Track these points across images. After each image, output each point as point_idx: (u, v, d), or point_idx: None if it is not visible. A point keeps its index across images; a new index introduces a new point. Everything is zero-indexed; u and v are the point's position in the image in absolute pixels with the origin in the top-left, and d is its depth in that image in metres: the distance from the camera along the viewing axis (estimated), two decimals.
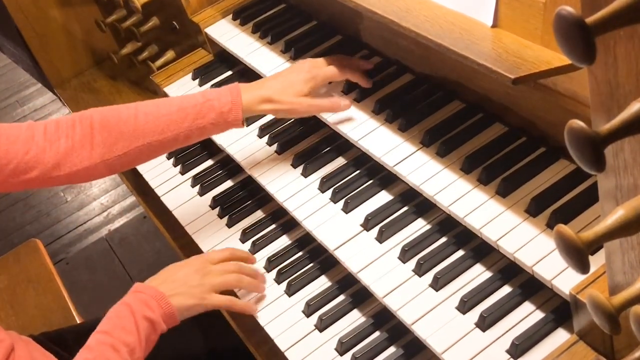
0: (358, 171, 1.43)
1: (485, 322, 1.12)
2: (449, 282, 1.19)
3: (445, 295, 1.18)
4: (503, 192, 1.18)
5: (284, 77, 1.43)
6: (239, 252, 1.41)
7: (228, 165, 1.68)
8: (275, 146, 1.54)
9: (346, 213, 1.36)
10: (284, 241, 1.47)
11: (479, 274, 1.20)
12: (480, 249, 1.21)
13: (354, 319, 1.30)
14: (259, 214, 1.55)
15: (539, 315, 1.12)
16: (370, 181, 1.40)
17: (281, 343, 1.30)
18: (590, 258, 0.60)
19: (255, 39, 1.74)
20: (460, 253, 1.23)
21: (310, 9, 1.75)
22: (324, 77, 1.44)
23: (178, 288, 1.29)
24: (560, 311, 1.09)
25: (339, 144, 1.49)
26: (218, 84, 1.77)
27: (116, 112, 1.36)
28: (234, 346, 1.53)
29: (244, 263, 1.40)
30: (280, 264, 1.42)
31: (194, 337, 1.42)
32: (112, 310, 1.26)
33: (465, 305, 1.15)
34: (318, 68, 1.43)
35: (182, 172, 1.72)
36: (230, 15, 1.85)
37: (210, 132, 1.40)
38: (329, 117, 1.45)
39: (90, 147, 1.34)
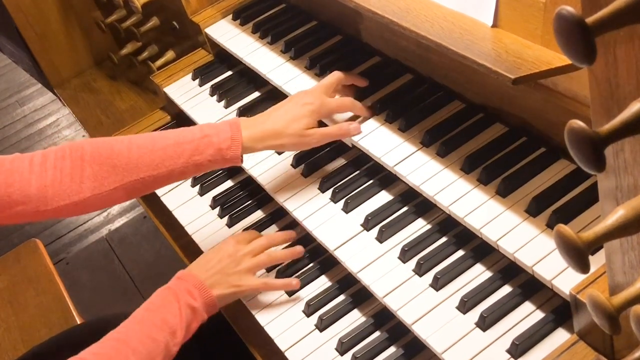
0: (358, 171, 1.43)
1: (485, 322, 1.12)
2: (449, 282, 1.19)
3: (446, 295, 1.18)
4: (503, 192, 1.18)
5: (287, 111, 1.37)
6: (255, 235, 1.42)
7: None
8: None
9: (346, 213, 1.36)
10: None
11: (479, 274, 1.20)
12: (480, 249, 1.21)
13: (354, 319, 1.30)
14: (259, 214, 1.55)
15: (539, 315, 1.12)
16: (370, 181, 1.40)
17: (281, 343, 1.30)
18: (590, 258, 0.60)
19: (255, 39, 1.74)
20: (460, 253, 1.23)
21: (310, 9, 1.75)
22: (329, 109, 1.40)
23: (215, 277, 1.30)
24: (560, 311, 1.09)
25: (339, 144, 1.49)
26: (218, 84, 1.77)
27: (109, 145, 1.29)
28: (228, 341, 1.54)
29: (273, 234, 1.41)
30: (281, 264, 1.42)
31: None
32: (157, 293, 1.27)
33: (465, 305, 1.15)
34: (320, 100, 1.39)
35: None
36: (230, 16, 1.85)
37: (207, 169, 1.36)
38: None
39: (79, 181, 1.27)
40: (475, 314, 1.13)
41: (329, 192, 1.40)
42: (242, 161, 1.36)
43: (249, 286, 1.33)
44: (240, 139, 1.32)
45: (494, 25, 1.14)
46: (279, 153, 1.53)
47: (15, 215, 1.26)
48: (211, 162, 1.32)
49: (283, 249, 1.42)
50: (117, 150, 1.29)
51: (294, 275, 1.39)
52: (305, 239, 1.44)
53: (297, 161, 1.48)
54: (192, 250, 1.57)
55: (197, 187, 1.65)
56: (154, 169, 1.29)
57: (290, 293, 1.37)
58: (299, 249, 1.39)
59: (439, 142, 1.30)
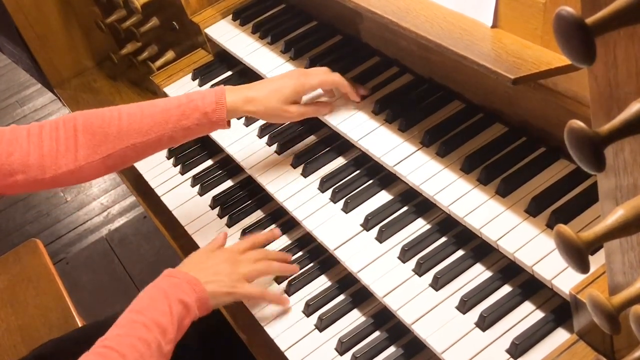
0: (358, 171, 1.43)
1: (485, 322, 1.12)
2: (449, 282, 1.19)
3: (445, 295, 1.18)
4: (503, 192, 1.19)
5: (271, 82, 1.44)
6: (260, 236, 1.42)
7: (228, 165, 1.68)
8: (275, 146, 1.55)
9: (346, 213, 1.36)
10: (283, 241, 1.47)
11: (479, 273, 1.20)
12: (480, 249, 1.21)
13: (354, 318, 1.30)
14: (258, 214, 1.55)
15: (539, 315, 1.12)
16: (370, 181, 1.40)
17: (281, 343, 1.30)
18: (590, 258, 0.60)
19: (255, 39, 1.74)
20: (460, 253, 1.23)
21: (310, 9, 1.75)
22: (312, 85, 1.44)
23: (210, 276, 1.28)
24: (560, 311, 1.10)
25: (339, 144, 1.49)
26: (218, 84, 1.77)
27: (100, 114, 1.36)
28: (228, 340, 1.53)
29: (269, 250, 1.40)
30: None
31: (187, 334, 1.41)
32: (144, 293, 1.24)
33: (465, 305, 1.15)
34: (306, 76, 1.43)
35: (182, 172, 1.72)
36: (230, 16, 1.85)
37: (195, 133, 1.40)
38: (329, 117, 1.46)
39: (74, 150, 1.33)
40: (475, 313, 1.14)
41: (329, 192, 1.40)
42: (228, 125, 1.40)
43: (245, 291, 1.31)
44: (224, 103, 1.37)
45: (494, 26, 1.14)
46: (279, 153, 1.53)
47: (15, 184, 1.32)
48: (198, 126, 1.38)
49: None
50: (107, 118, 1.35)
51: (294, 276, 1.39)
52: (305, 238, 1.44)
53: (297, 160, 1.49)
54: (192, 250, 1.57)
55: (197, 187, 1.65)
56: (144, 135, 1.35)
57: (291, 292, 1.37)
58: (295, 268, 1.38)
59: (439, 142, 1.30)
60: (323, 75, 1.44)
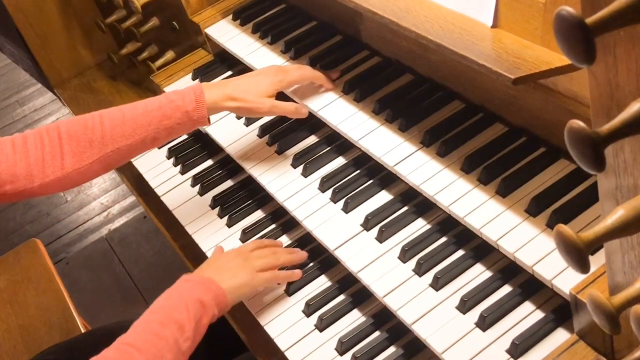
0: (358, 171, 1.43)
1: (485, 322, 1.12)
2: (449, 282, 1.19)
3: (446, 295, 1.18)
4: (503, 192, 1.19)
5: (249, 78, 1.47)
6: (266, 240, 1.44)
7: (228, 165, 1.68)
8: (275, 146, 1.55)
9: (346, 213, 1.36)
10: (284, 241, 1.47)
11: (479, 273, 1.20)
12: (480, 249, 1.21)
13: (354, 318, 1.30)
14: (259, 214, 1.55)
15: (539, 315, 1.12)
16: (370, 181, 1.40)
17: (281, 343, 1.30)
18: (590, 258, 0.60)
19: (255, 39, 1.74)
20: (460, 253, 1.23)
21: (310, 9, 1.75)
22: (289, 81, 1.48)
23: (224, 272, 1.30)
24: (560, 311, 1.10)
25: (339, 144, 1.49)
26: None
27: (82, 122, 1.38)
28: (228, 340, 1.53)
29: (277, 247, 1.42)
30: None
31: None
32: (160, 297, 1.26)
33: (465, 305, 1.15)
34: (284, 73, 1.47)
35: (182, 172, 1.72)
36: (230, 16, 1.85)
37: (177, 132, 1.43)
38: (329, 117, 1.46)
39: (60, 158, 1.35)
40: (475, 313, 1.14)
41: (329, 192, 1.40)
42: (209, 122, 1.43)
43: (260, 279, 1.32)
44: (204, 100, 1.40)
45: (494, 26, 1.14)
46: (279, 152, 1.53)
47: (4, 194, 1.33)
48: (180, 125, 1.40)
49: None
50: (90, 125, 1.37)
51: None
52: (305, 238, 1.44)
53: (297, 160, 1.49)
54: (192, 250, 1.57)
55: (197, 187, 1.65)
56: (128, 138, 1.37)
57: (291, 292, 1.37)
58: (303, 254, 1.39)
59: (439, 141, 1.30)
60: (301, 71, 1.48)
